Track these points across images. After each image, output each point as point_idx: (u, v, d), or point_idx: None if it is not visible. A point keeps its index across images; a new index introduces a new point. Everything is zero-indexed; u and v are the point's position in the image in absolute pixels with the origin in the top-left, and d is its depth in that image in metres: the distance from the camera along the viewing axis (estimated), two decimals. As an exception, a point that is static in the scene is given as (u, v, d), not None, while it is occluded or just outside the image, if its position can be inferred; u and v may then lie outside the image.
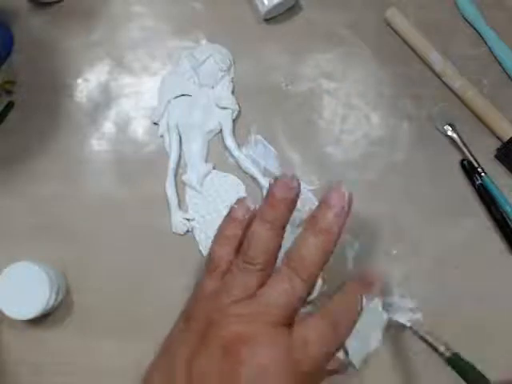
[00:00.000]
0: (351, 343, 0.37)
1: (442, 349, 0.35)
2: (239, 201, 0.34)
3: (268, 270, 0.30)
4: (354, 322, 0.31)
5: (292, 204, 0.31)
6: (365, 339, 0.38)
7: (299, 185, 0.31)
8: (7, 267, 0.39)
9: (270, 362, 0.27)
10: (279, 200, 0.31)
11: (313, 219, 0.30)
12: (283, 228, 0.31)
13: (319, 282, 0.41)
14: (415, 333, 0.38)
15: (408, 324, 0.39)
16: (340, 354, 0.36)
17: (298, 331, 0.29)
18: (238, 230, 0.32)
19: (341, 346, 0.31)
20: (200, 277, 0.33)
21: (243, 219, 0.32)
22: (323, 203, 0.30)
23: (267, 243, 0.30)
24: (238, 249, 0.31)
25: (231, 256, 0.31)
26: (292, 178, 0.31)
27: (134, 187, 0.44)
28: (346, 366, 0.37)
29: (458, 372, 0.34)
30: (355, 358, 0.37)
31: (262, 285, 0.29)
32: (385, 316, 0.39)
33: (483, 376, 0.33)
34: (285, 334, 0.28)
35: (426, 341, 0.37)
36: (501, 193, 0.43)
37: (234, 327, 0.28)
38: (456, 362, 0.34)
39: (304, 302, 0.30)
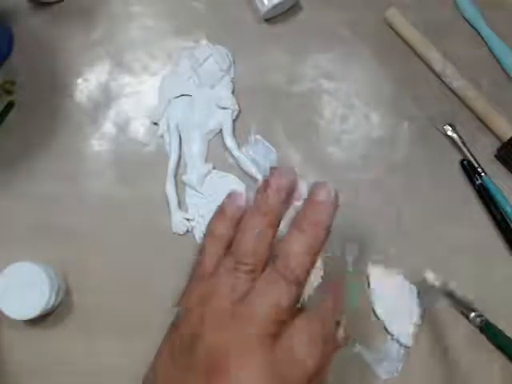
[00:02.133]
0: (392, 326, 0.39)
1: (472, 315, 0.36)
2: (230, 196, 0.31)
3: (259, 270, 0.27)
4: (333, 325, 0.29)
5: (287, 194, 0.28)
6: (404, 317, 0.39)
7: (295, 174, 0.29)
8: (7, 267, 0.39)
9: (254, 377, 0.24)
10: (274, 189, 0.28)
11: (299, 217, 0.28)
12: (278, 221, 0.28)
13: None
14: (448, 295, 0.39)
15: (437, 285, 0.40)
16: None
17: (285, 340, 0.26)
18: (228, 229, 0.29)
19: (332, 339, 0.29)
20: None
21: (233, 216, 0.30)
22: (309, 200, 0.28)
23: (260, 240, 0.27)
24: (228, 249, 0.29)
25: (220, 257, 0.29)
26: (288, 168, 0.29)
27: (134, 187, 0.44)
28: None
29: (490, 338, 0.35)
30: (402, 338, 0.39)
31: (251, 286, 0.27)
32: (415, 291, 0.41)
33: None
34: (270, 345, 0.26)
35: (458, 303, 0.38)
36: (501, 193, 0.43)
37: (217, 340, 0.26)
38: (488, 329, 0.35)
39: (293, 305, 0.27)
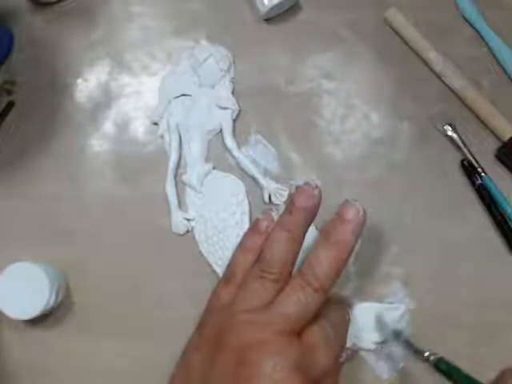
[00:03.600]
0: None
1: (427, 354, 0.36)
2: (265, 212, 0.34)
3: (284, 279, 0.30)
4: (348, 328, 0.33)
5: (312, 213, 0.32)
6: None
7: (320, 193, 0.32)
8: (7, 267, 0.39)
9: (280, 370, 0.27)
10: (299, 208, 0.31)
11: (327, 232, 0.31)
12: (301, 237, 0.32)
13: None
14: (398, 339, 0.39)
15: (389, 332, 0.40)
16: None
17: (306, 338, 0.29)
18: (260, 241, 0.32)
19: (343, 348, 0.32)
20: (215, 285, 0.33)
21: (266, 231, 0.33)
22: (338, 217, 0.31)
23: (284, 252, 0.31)
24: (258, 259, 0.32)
25: (250, 266, 0.32)
26: (314, 186, 0.32)
27: (134, 187, 0.44)
28: (355, 351, 0.39)
29: (446, 376, 0.34)
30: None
31: (277, 294, 0.30)
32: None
33: (472, 378, 0.33)
34: (294, 342, 0.28)
35: (410, 347, 0.38)
36: (501, 193, 0.43)
37: (245, 335, 0.28)
38: (443, 366, 0.34)
39: (317, 309, 0.30)
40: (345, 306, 0.35)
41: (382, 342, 0.40)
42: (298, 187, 0.32)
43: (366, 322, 0.40)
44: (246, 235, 0.34)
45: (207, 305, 0.32)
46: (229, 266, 0.33)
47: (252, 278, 0.30)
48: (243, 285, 0.31)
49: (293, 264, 0.31)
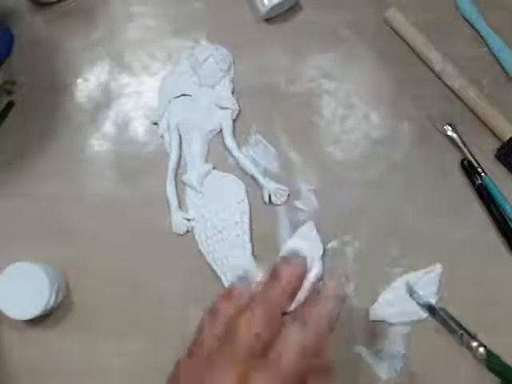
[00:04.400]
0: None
1: (474, 344, 0.34)
2: (241, 279, 0.31)
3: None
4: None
5: (296, 286, 0.29)
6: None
7: (305, 267, 0.30)
8: (7, 267, 0.39)
9: None
10: (283, 283, 0.29)
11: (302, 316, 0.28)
12: (279, 317, 0.28)
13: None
14: (433, 313, 0.38)
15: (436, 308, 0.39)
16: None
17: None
18: (231, 309, 0.29)
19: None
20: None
21: (239, 298, 0.29)
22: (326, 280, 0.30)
23: (266, 326, 0.27)
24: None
25: (218, 333, 0.28)
26: (303, 259, 0.30)
27: (134, 187, 0.44)
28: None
29: (493, 371, 0.33)
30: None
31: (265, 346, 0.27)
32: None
33: None
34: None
35: (449, 324, 0.36)
36: (501, 193, 0.43)
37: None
38: (495, 362, 0.33)
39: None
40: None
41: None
42: (282, 258, 0.30)
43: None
44: (218, 298, 0.30)
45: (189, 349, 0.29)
46: (199, 324, 0.30)
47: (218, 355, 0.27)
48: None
49: (273, 336, 0.27)
